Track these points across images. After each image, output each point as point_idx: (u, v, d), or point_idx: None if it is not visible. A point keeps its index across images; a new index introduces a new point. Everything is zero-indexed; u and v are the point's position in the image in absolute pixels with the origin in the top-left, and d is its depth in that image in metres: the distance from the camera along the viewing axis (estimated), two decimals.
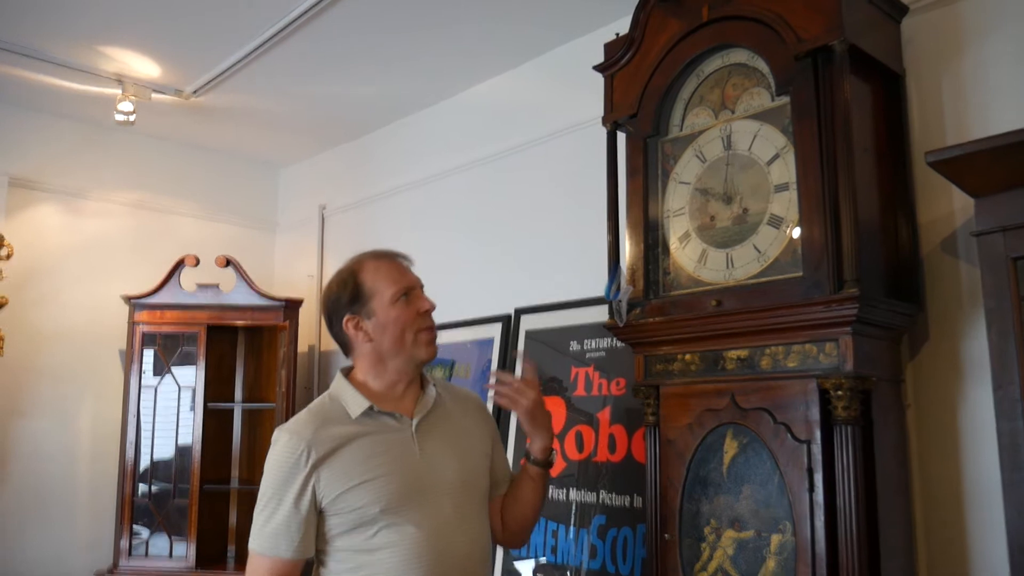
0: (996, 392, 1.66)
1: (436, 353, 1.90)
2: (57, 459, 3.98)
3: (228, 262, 3.97)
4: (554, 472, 2.86)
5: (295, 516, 1.73)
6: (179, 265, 3.95)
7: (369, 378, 1.89)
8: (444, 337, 3.56)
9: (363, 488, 1.73)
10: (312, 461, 1.73)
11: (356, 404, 1.83)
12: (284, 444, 1.77)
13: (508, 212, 3.48)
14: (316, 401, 1.89)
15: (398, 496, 1.74)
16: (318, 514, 1.76)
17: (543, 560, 2.84)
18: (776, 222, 2.02)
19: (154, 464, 3.95)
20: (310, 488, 1.73)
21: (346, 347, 1.93)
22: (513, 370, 3.17)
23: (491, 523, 1.98)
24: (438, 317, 3.61)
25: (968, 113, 2.11)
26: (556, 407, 2.97)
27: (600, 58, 2.43)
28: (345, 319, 1.89)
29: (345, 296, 1.89)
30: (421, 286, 1.93)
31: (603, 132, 2.41)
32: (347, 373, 1.93)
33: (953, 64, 2.16)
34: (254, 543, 1.76)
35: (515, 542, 2.12)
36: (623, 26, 2.40)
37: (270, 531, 1.73)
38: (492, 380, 2.04)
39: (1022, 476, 1.59)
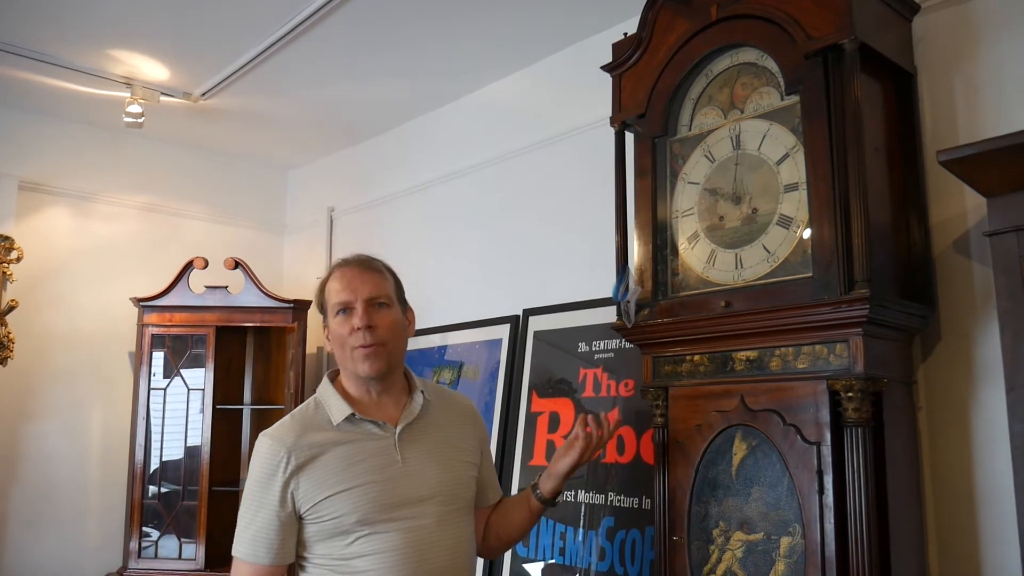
0: (1009, 394, 1.64)
1: (376, 369, 1.81)
2: (67, 461, 4.00)
3: (237, 264, 3.98)
4: None
5: (274, 522, 1.73)
6: (188, 267, 3.96)
7: (347, 383, 1.89)
8: (452, 338, 3.58)
9: (341, 497, 1.73)
10: (292, 468, 1.73)
11: (338, 411, 1.82)
12: (265, 449, 1.77)
13: (516, 213, 3.47)
14: (302, 406, 1.89)
15: (377, 507, 1.73)
16: (298, 520, 1.76)
17: (552, 562, 2.82)
18: (786, 222, 2.00)
19: (163, 466, 3.95)
20: (289, 495, 1.73)
21: None
22: (518, 372, 3.17)
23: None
24: (447, 318, 3.63)
25: (981, 112, 2.09)
26: (565, 408, 2.96)
27: (608, 58, 2.42)
28: (323, 326, 1.94)
29: (318, 304, 1.95)
30: (368, 299, 1.83)
31: (611, 132, 2.40)
32: (333, 377, 1.92)
33: (966, 62, 2.14)
34: (236, 548, 1.76)
35: (489, 555, 2.12)
36: (631, 26, 2.39)
37: (250, 537, 1.74)
38: (599, 420, 1.97)
39: None
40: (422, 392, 1.91)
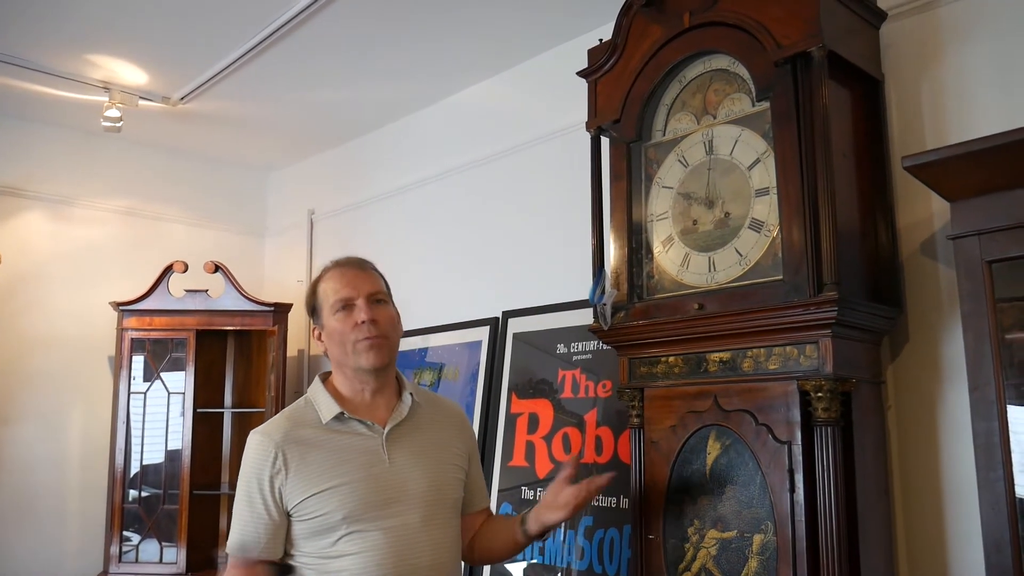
0: (972, 393, 1.69)
1: (380, 360, 1.85)
2: (46, 466, 3.98)
3: (217, 268, 3.98)
4: (541, 474, 2.90)
5: (261, 517, 1.77)
6: (167, 271, 3.95)
7: (339, 383, 1.93)
8: (433, 340, 3.60)
9: (327, 495, 1.75)
10: (279, 464, 1.77)
11: (327, 409, 1.85)
12: (255, 446, 1.81)
13: (495, 216, 3.50)
14: (293, 404, 1.93)
15: (362, 505, 1.76)
16: (287, 517, 1.79)
17: (533, 561, 2.85)
18: (757, 226, 2.04)
19: (144, 470, 3.95)
20: (276, 491, 1.77)
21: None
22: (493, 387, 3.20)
23: None
24: (428, 320, 3.65)
25: (947, 118, 2.14)
26: (544, 409, 2.99)
27: (584, 64, 2.45)
28: (312, 327, 1.97)
29: (308, 305, 1.97)
30: (369, 295, 1.88)
31: (587, 137, 2.43)
32: (325, 378, 1.95)
33: (932, 69, 2.18)
34: (228, 542, 1.81)
35: (472, 563, 2.13)
36: (606, 32, 2.42)
37: (239, 530, 1.78)
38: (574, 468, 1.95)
39: (997, 475, 1.62)
40: (411, 394, 1.94)
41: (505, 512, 2.96)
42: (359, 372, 1.87)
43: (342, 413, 1.84)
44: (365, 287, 1.90)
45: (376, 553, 1.75)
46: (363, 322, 1.84)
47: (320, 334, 1.94)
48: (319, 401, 1.88)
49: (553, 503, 1.92)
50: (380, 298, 1.91)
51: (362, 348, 1.84)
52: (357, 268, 1.94)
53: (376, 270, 1.99)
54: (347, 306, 1.87)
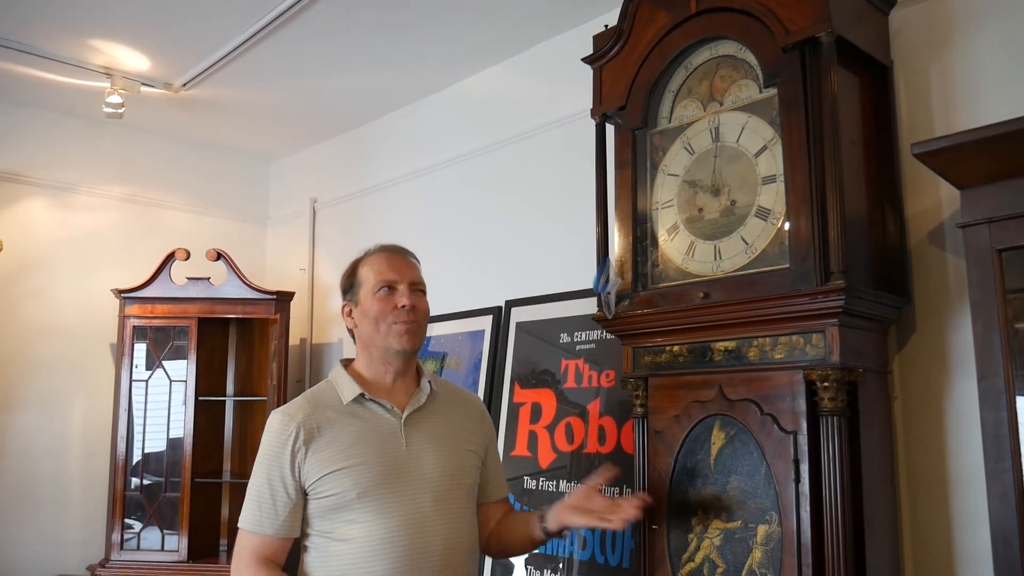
0: (980, 383, 1.67)
1: (412, 344, 1.93)
2: (48, 454, 3.98)
3: (219, 255, 3.96)
4: (543, 464, 2.89)
5: (279, 495, 1.80)
6: (169, 259, 3.94)
7: (362, 366, 1.97)
8: (435, 329, 3.58)
9: (343, 473, 1.79)
10: (300, 443, 1.81)
11: (349, 390, 1.90)
12: (276, 424, 1.85)
13: (498, 205, 3.48)
14: (315, 387, 1.98)
15: (376, 484, 1.79)
16: (304, 496, 1.82)
17: (535, 551, 2.84)
18: (764, 214, 2.02)
19: (146, 458, 3.95)
20: (296, 469, 1.81)
21: (352, 334, 2.03)
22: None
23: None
24: (430, 309, 3.61)
25: (956, 105, 2.12)
26: (547, 399, 2.98)
27: (589, 51, 2.43)
28: (343, 304, 2.02)
29: (344, 283, 2.02)
30: (412, 283, 1.96)
31: (591, 125, 2.41)
32: (347, 363, 2.00)
33: (942, 56, 2.16)
34: (241, 519, 1.83)
35: (489, 555, 2.16)
36: (612, 18, 2.40)
37: (255, 507, 1.82)
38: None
39: (1005, 466, 1.60)
40: (429, 382, 1.98)
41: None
42: (387, 353, 1.93)
43: (363, 394, 1.89)
44: (408, 275, 1.98)
45: (387, 533, 1.77)
46: (403, 306, 1.90)
47: (351, 311, 1.99)
48: (340, 383, 1.93)
49: (580, 507, 1.92)
50: (421, 288, 2.00)
51: (398, 331, 1.91)
52: (403, 255, 2.02)
53: (417, 261, 2.05)
54: (390, 288, 1.93)
